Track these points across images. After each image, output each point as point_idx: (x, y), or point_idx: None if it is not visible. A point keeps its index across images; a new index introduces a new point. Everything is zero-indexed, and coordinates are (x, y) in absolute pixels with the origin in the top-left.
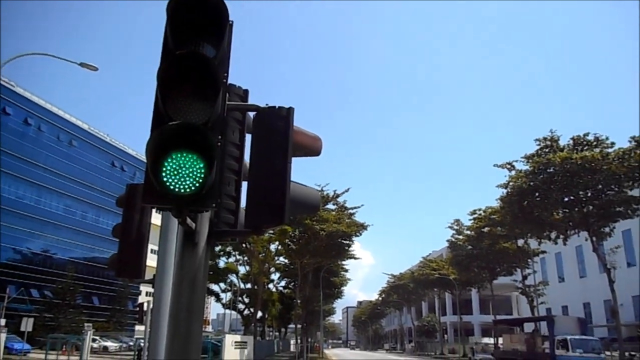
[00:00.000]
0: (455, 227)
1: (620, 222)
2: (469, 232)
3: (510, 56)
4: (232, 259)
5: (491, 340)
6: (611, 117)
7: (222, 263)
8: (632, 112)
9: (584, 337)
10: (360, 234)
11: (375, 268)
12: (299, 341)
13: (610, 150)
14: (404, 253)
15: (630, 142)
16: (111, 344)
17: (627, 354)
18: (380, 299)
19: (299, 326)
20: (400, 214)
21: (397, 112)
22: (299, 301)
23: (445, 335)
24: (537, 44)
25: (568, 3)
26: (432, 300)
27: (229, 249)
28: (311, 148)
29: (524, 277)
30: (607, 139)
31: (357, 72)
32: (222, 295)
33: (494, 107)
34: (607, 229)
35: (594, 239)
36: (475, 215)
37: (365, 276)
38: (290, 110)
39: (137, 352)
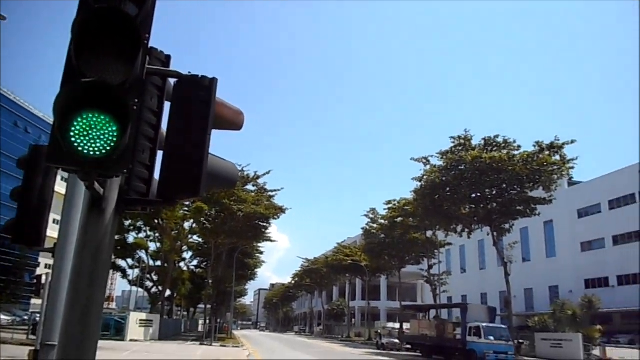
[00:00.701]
0: (371, 216)
1: (519, 220)
2: (383, 221)
3: (434, 50)
4: (142, 235)
5: (397, 325)
6: (520, 121)
7: (131, 238)
8: (540, 117)
9: (494, 325)
10: (278, 217)
11: (291, 252)
12: (207, 321)
13: (516, 152)
14: (320, 238)
15: (534, 146)
16: (3, 317)
17: (516, 341)
18: (293, 282)
19: (208, 306)
20: (319, 199)
21: (323, 97)
22: (210, 281)
23: (353, 320)
24: (459, 41)
25: (484, 3)
26: (343, 285)
27: (139, 223)
28: (233, 122)
29: (430, 267)
30: (514, 142)
31: (287, 53)
32: (129, 271)
33: (418, 100)
34: (507, 226)
35: (495, 234)
36: (390, 206)
37: (280, 259)
38: (213, 81)
39: (31, 327)
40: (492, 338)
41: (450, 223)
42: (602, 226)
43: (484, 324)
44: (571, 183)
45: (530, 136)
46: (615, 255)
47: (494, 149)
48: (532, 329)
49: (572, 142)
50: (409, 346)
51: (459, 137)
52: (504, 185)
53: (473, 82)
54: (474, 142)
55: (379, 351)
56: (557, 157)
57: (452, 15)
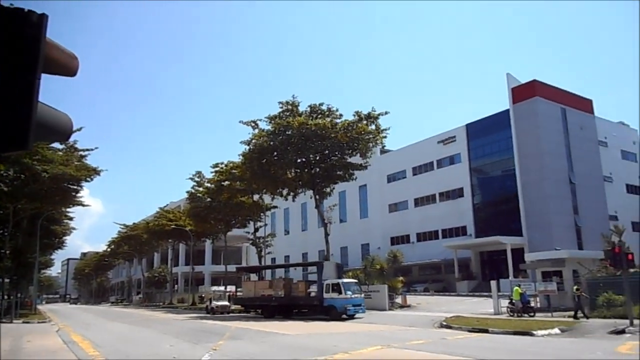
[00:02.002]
0: (197, 179)
1: (339, 184)
2: (209, 184)
3: (268, 15)
4: None
5: (231, 288)
6: (344, 91)
7: None
8: (360, 89)
9: (349, 280)
10: (91, 180)
11: (105, 217)
12: (5, 297)
13: (338, 120)
14: (140, 203)
15: (354, 116)
16: None
17: None
18: (108, 250)
19: (7, 280)
20: (139, 162)
21: (144, 54)
22: (8, 252)
23: (176, 286)
24: (291, 6)
25: None
26: (165, 251)
27: None
28: (66, 65)
29: (256, 230)
30: (337, 110)
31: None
32: None
33: (251, 63)
34: (328, 190)
35: (318, 197)
36: (217, 169)
37: (92, 226)
38: (43, 17)
39: None
40: (350, 293)
41: (276, 187)
42: (406, 190)
43: (343, 280)
44: (383, 151)
45: (352, 106)
46: (416, 216)
47: (319, 116)
48: None
49: (386, 113)
50: (242, 308)
51: (287, 103)
52: (327, 152)
53: (304, 51)
54: (301, 109)
55: (209, 315)
56: (373, 127)
57: None
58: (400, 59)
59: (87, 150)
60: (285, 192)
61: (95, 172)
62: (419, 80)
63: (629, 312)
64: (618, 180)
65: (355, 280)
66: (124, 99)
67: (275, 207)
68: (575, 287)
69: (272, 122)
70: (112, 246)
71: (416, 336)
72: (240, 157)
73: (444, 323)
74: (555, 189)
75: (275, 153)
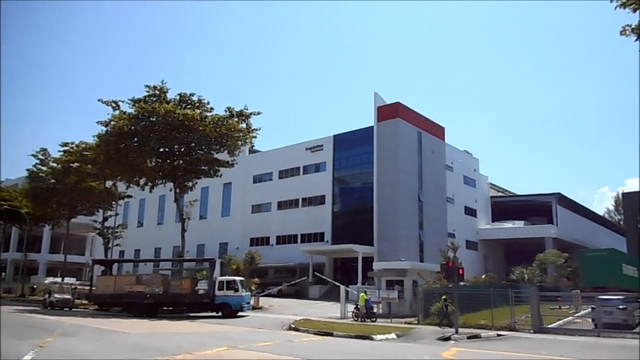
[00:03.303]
0: (41, 157)
1: (202, 179)
2: (55, 164)
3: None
4: None
5: (72, 280)
6: (215, 85)
7: None
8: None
9: (241, 278)
10: None
11: None
12: None
13: (208, 114)
14: None
15: (225, 111)
16: None
17: None
18: None
19: None
20: None
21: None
22: None
23: (4, 274)
24: None
25: None
26: None
27: None
28: None
29: (105, 219)
30: (208, 103)
31: None
32: None
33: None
34: (190, 184)
35: (178, 190)
36: (67, 148)
37: None
38: None
39: None
40: (245, 290)
41: (133, 175)
42: (271, 192)
43: (238, 278)
44: (252, 151)
45: (225, 103)
46: (278, 218)
47: (188, 106)
48: None
49: (258, 113)
50: (88, 303)
51: (155, 87)
52: (193, 144)
53: (181, 45)
54: (170, 96)
55: (47, 309)
56: (244, 125)
57: None
58: (280, 64)
59: None
60: (142, 181)
61: None
62: (296, 86)
63: (455, 321)
64: (458, 202)
65: (242, 278)
66: None
67: (129, 196)
68: (443, 297)
69: (136, 105)
70: None
71: (263, 338)
72: (96, 138)
73: (292, 326)
74: (405, 204)
75: (135, 139)
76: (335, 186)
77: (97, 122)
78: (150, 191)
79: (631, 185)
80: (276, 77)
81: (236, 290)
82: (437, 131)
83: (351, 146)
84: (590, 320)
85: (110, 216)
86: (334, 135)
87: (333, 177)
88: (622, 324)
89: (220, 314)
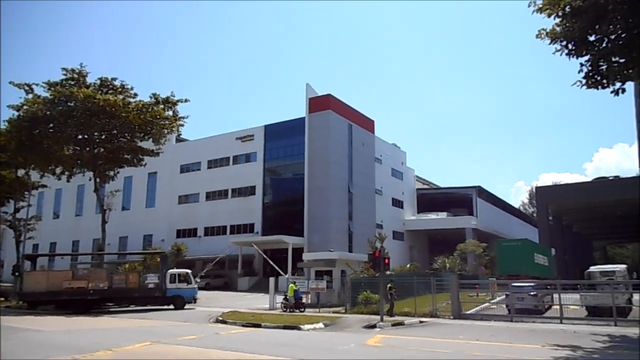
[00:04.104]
0: None
1: (125, 169)
2: None
3: None
4: None
5: None
6: (140, 72)
7: None
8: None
9: (188, 270)
10: None
11: None
12: None
13: (132, 100)
14: None
15: (150, 97)
16: None
17: None
18: None
19: None
20: None
21: None
22: None
23: None
24: None
25: None
26: None
27: None
28: None
29: (17, 210)
30: (132, 88)
31: None
32: None
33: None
34: (112, 173)
35: (98, 180)
36: None
37: None
38: None
39: None
40: (198, 280)
41: (49, 163)
42: (199, 182)
43: (189, 271)
44: (179, 140)
45: (151, 89)
46: (206, 209)
47: (110, 91)
48: None
49: (186, 100)
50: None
51: (73, 70)
52: (115, 131)
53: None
54: (90, 80)
55: None
56: (170, 113)
57: None
58: (211, 52)
59: None
60: (59, 170)
61: None
62: (227, 76)
63: (380, 309)
64: (386, 194)
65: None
66: None
67: (44, 186)
68: (388, 286)
69: (52, 89)
70: None
71: (189, 331)
72: (6, 123)
73: (220, 318)
74: (336, 196)
75: (51, 125)
76: (266, 177)
77: (8, 106)
78: (68, 180)
79: (544, 180)
80: (207, 65)
81: (189, 282)
82: (367, 124)
83: (282, 137)
84: (504, 306)
85: (23, 207)
86: (265, 126)
87: (264, 168)
88: (533, 310)
89: (172, 306)
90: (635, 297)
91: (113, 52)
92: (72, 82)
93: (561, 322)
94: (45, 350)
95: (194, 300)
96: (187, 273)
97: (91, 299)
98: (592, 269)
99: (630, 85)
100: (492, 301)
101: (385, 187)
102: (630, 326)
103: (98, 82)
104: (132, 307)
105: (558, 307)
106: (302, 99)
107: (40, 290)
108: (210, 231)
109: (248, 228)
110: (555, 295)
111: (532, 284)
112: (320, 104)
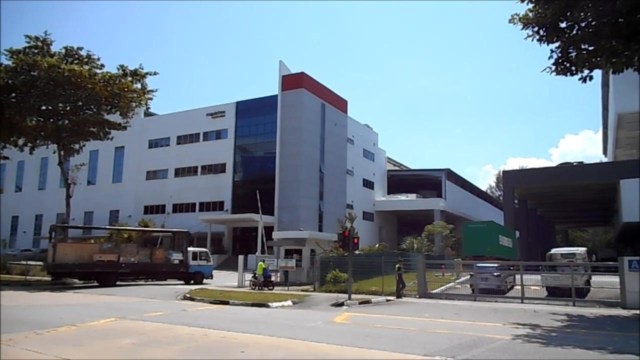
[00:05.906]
0: None
1: (90, 142)
2: None
3: None
4: None
5: None
6: (107, 45)
7: None
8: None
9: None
10: None
11: None
12: None
13: (99, 71)
14: None
15: (118, 69)
16: None
17: None
18: None
19: None
20: None
21: None
22: None
23: None
24: None
25: None
26: None
27: None
28: None
29: None
30: (98, 59)
31: None
32: None
33: None
34: (77, 146)
35: (62, 153)
36: None
37: None
38: None
39: None
40: (210, 260)
41: (10, 134)
42: (168, 158)
43: (208, 250)
44: (148, 114)
45: (119, 61)
46: (175, 186)
47: (76, 61)
48: None
49: (155, 73)
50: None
51: (37, 38)
52: (80, 103)
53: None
54: (54, 49)
55: None
56: (139, 86)
57: None
58: (183, 26)
59: None
60: (21, 142)
61: None
62: (199, 50)
63: (348, 288)
64: (357, 175)
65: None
66: None
67: (6, 157)
68: (397, 266)
69: (14, 57)
70: None
71: (155, 308)
72: None
73: (187, 295)
74: (307, 175)
75: (13, 94)
76: (237, 154)
77: None
78: (31, 153)
79: (511, 164)
80: (178, 39)
81: (208, 260)
82: (340, 104)
83: (254, 114)
84: (468, 286)
85: None
86: (237, 102)
87: (235, 145)
88: (495, 290)
89: (192, 282)
90: (594, 278)
91: (79, 21)
92: (36, 51)
93: (522, 302)
94: (8, 325)
95: (211, 276)
96: (206, 252)
97: (122, 272)
98: (554, 251)
99: (597, 73)
100: (457, 281)
101: (356, 168)
102: (588, 306)
103: (63, 51)
104: (150, 282)
105: (520, 287)
106: (275, 77)
107: (70, 261)
108: (179, 208)
109: (218, 206)
110: (518, 276)
111: (495, 265)
112: (293, 82)
